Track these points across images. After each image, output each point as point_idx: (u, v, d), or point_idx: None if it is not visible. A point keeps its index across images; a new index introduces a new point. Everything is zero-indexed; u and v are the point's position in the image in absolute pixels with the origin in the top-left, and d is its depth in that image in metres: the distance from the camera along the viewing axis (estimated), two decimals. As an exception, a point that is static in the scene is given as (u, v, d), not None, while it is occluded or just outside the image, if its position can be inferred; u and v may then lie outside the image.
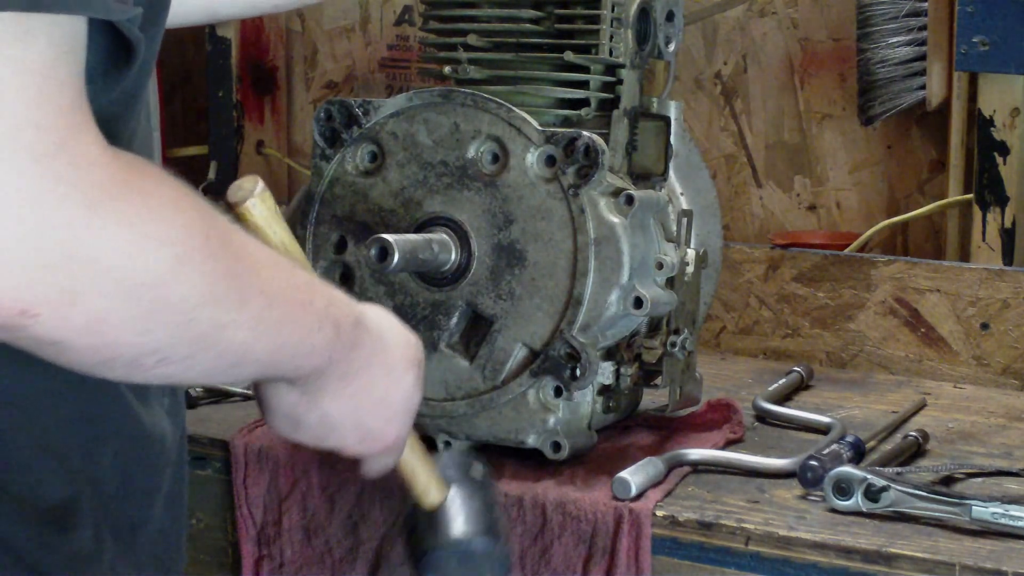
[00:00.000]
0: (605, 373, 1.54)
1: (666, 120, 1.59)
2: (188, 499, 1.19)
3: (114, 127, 0.95)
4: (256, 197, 1.07)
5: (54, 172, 0.81)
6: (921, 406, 1.84)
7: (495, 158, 1.53)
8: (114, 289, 0.84)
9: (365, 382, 1.07)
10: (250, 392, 1.77)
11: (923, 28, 2.09)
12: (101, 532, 1.05)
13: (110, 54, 0.92)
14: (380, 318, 1.11)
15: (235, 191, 1.08)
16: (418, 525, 1.20)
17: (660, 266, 1.53)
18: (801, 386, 1.92)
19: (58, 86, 0.83)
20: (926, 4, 2.08)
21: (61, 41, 0.83)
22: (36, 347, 0.85)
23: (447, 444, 1.55)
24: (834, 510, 1.43)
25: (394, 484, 1.53)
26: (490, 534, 1.21)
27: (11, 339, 0.84)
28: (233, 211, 1.07)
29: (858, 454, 1.56)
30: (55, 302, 0.82)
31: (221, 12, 1.70)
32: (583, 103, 1.58)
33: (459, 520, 1.19)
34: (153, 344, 0.87)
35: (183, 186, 0.90)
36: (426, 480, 1.19)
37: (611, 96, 1.59)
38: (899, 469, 1.54)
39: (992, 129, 2.01)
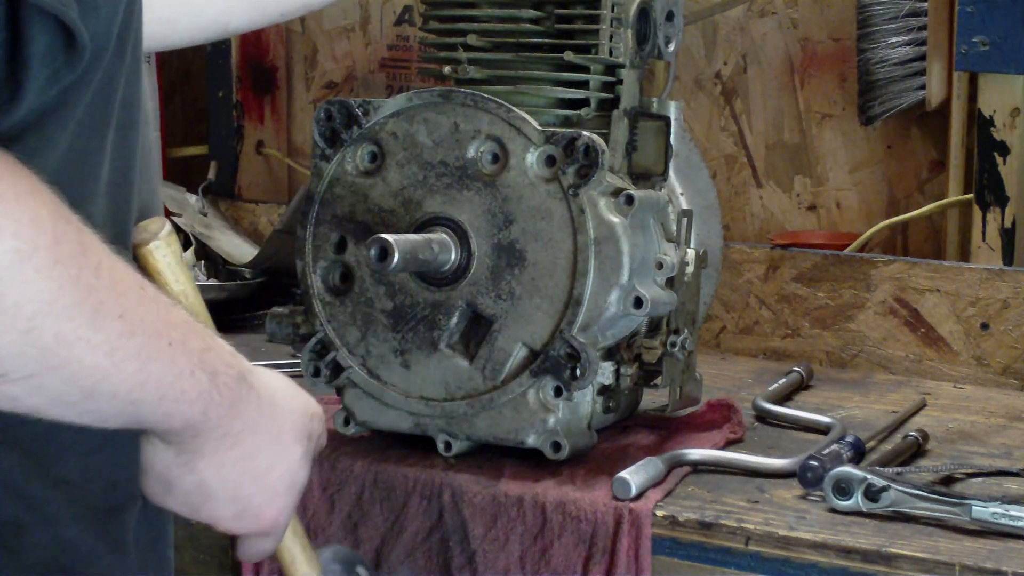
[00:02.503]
0: (605, 373, 1.54)
1: (666, 120, 1.59)
2: None
3: (59, 114, 0.92)
4: (160, 240, 1.00)
5: None
6: (921, 406, 1.84)
7: (495, 158, 1.53)
8: None
9: (248, 449, 0.98)
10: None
11: (923, 28, 2.09)
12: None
13: (53, 46, 0.89)
14: (273, 380, 1.03)
15: (139, 231, 1.00)
16: None
17: (660, 266, 1.53)
18: (801, 386, 1.92)
19: None
20: (926, 4, 2.08)
21: None
22: None
23: (447, 445, 1.55)
24: (834, 510, 1.43)
25: (394, 484, 1.54)
26: None
27: None
28: (135, 252, 1.01)
29: (858, 454, 1.56)
30: None
31: (232, 26, 1.68)
32: (583, 103, 1.58)
33: None
34: None
35: (45, 187, 0.84)
36: (305, 573, 1.11)
37: (611, 96, 1.59)
38: (899, 469, 1.54)
39: (992, 129, 2.01)
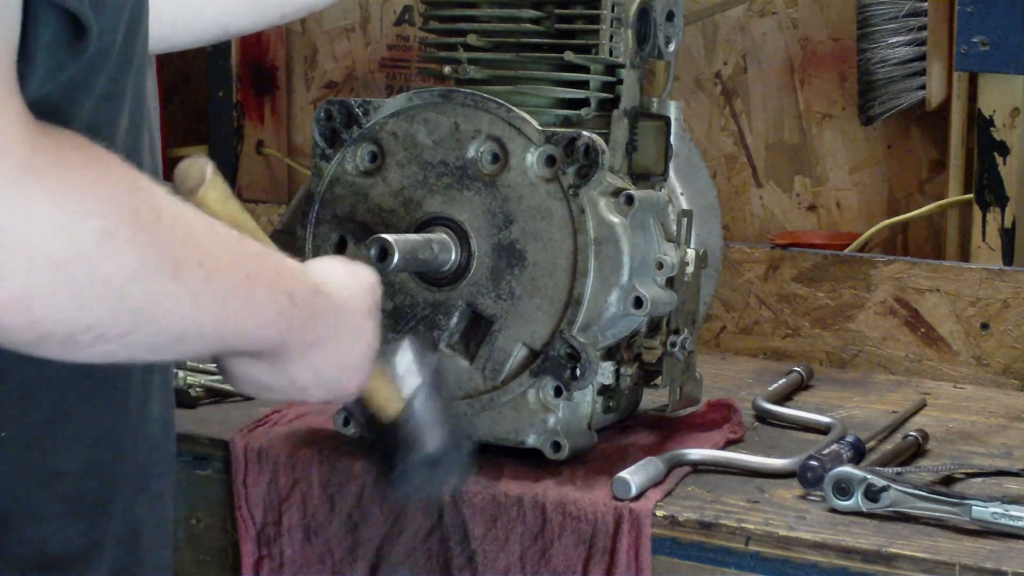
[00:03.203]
0: (605, 373, 1.54)
1: (666, 120, 1.59)
2: (183, 498, 1.18)
3: (64, 114, 0.94)
4: (208, 183, 1.03)
5: None
6: (921, 406, 1.84)
7: (495, 158, 1.53)
8: (40, 264, 0.83)
9: (331, 346, 1.06)
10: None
11: (923, 28, 2.09)
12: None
13: (58, 37, 0.91)
14: (336, 276, 1.09)
15: (184, 178, 1.03)
16: (381, 439, 1.20)
17: (660, 266, 1.53)
18: (801, 386, 1.92)
19: None
20: (926, 4, 2.08)
21: None
22: None
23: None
24: (834, 510, 1.43)
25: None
26: (450, 439, 1.21)
27: None
28: (186, 200, 1.02)
29: (858, 454, 1.56)
30: None
31: (233, 27, 1.68)
32: (583, 103, 1.58)
33: (420, 434, 1.19)
34: (87, 320, 0.86)
35: (115, 159, 0.88)
36: (384, 396, 1.18)
37: (611, 96, 1.59)
38: (899, 469, 1.54)
39: (992, 129, 2.01)
